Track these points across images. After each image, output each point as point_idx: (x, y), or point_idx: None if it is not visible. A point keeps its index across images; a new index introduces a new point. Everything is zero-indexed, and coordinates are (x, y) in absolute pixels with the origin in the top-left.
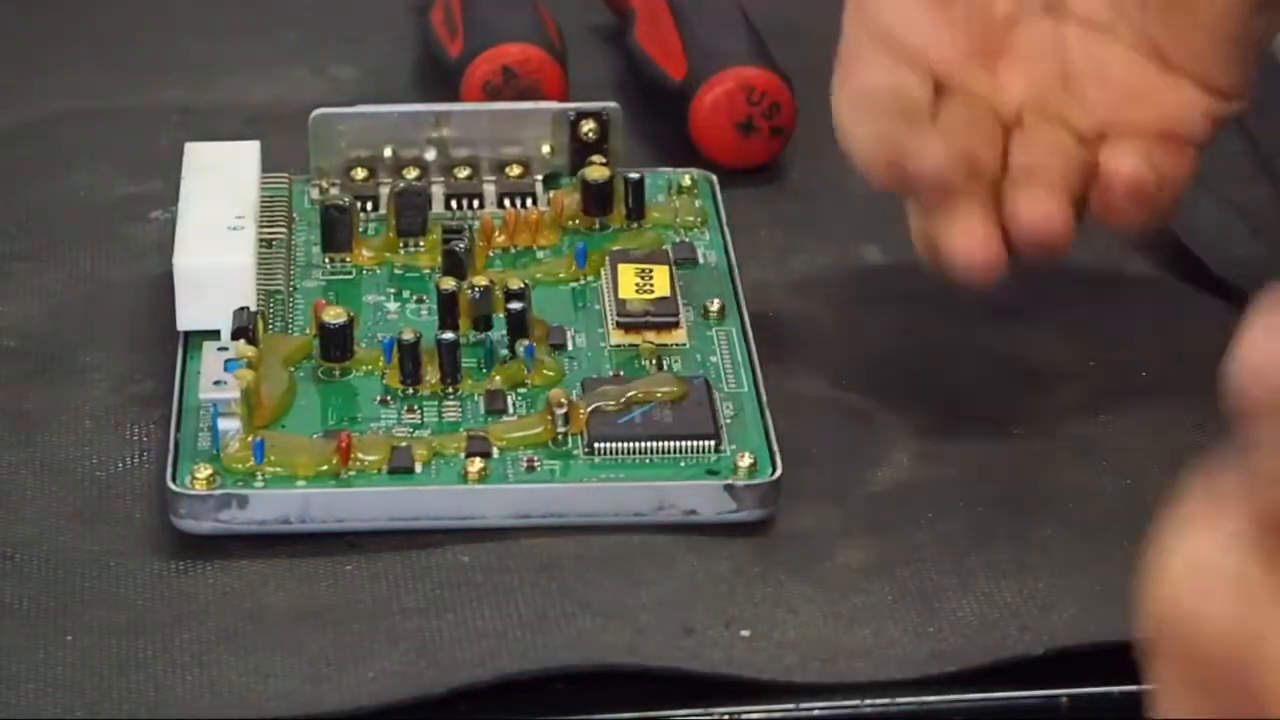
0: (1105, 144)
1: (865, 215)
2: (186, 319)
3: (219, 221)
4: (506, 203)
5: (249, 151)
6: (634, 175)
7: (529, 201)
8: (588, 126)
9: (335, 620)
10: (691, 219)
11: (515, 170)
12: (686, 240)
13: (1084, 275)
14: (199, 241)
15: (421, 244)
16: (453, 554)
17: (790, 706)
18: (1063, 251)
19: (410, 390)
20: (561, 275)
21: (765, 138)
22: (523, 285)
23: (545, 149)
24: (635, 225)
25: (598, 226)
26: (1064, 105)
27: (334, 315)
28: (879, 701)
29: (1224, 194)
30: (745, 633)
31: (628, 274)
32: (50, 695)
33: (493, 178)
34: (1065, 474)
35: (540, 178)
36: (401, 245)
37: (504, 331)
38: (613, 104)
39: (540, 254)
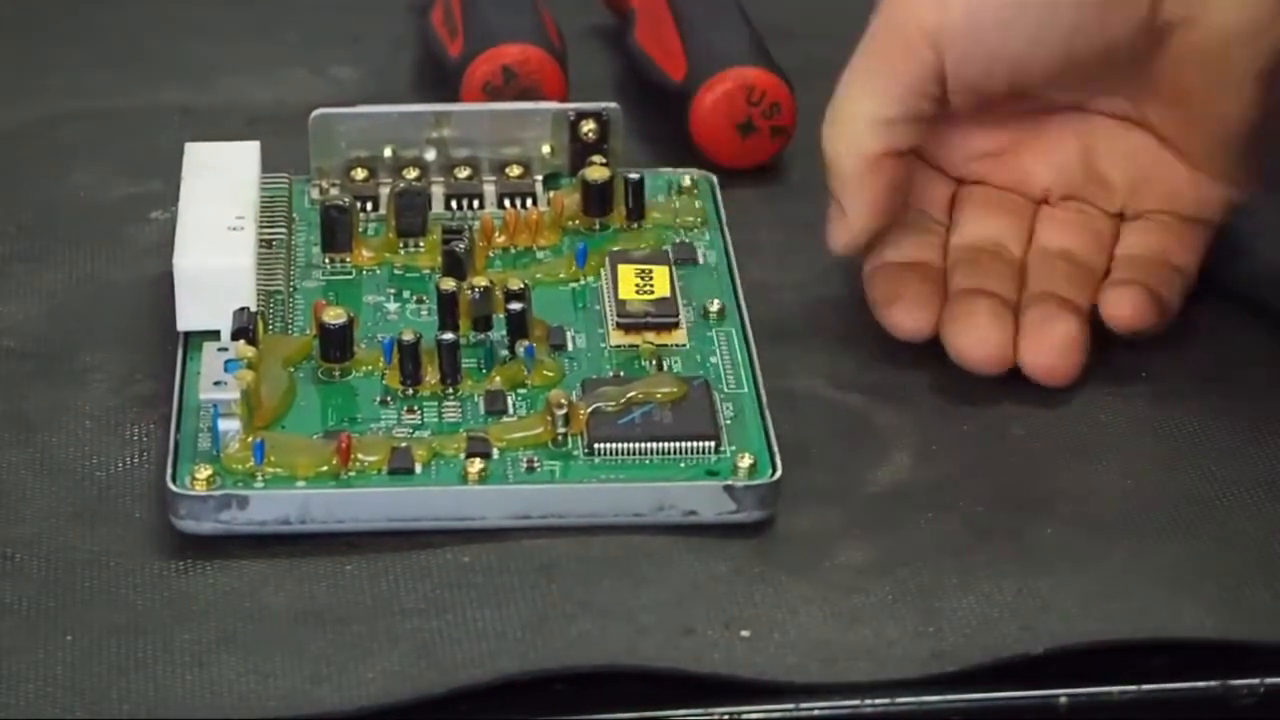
0: (1108, 283)
1: None
2: (186, 319)
3: (219, 222)
4: (506, 203)
5: (249, 152)
6: (634, 176)
7: (529, 202)
8: (588, 127)
9: (335, 620)
10: (692, 219)
11: (515, 170)
12: (686, 241)
13: None
14: (199, 242)
15: (421, 244)
16: (453, 554)
17: (790, 706)
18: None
19: (410, 391)
20: (561, 276)
21: (765, 138)
22: (523, 286)
23: (545, 149)
24: (635, 226)
25: (598, 227)
26: (1086, 189)
27: (334, 316)
28: (879, 701)
29: None
30: (745, 633)
31: (628, 274)
32: (50, 695)
33: (493, 178)
34: (1065, 474)
35: (540, 178)
36: (401, 246)
37: (504, 332)
38: (613, 104)
39: (540, 254)
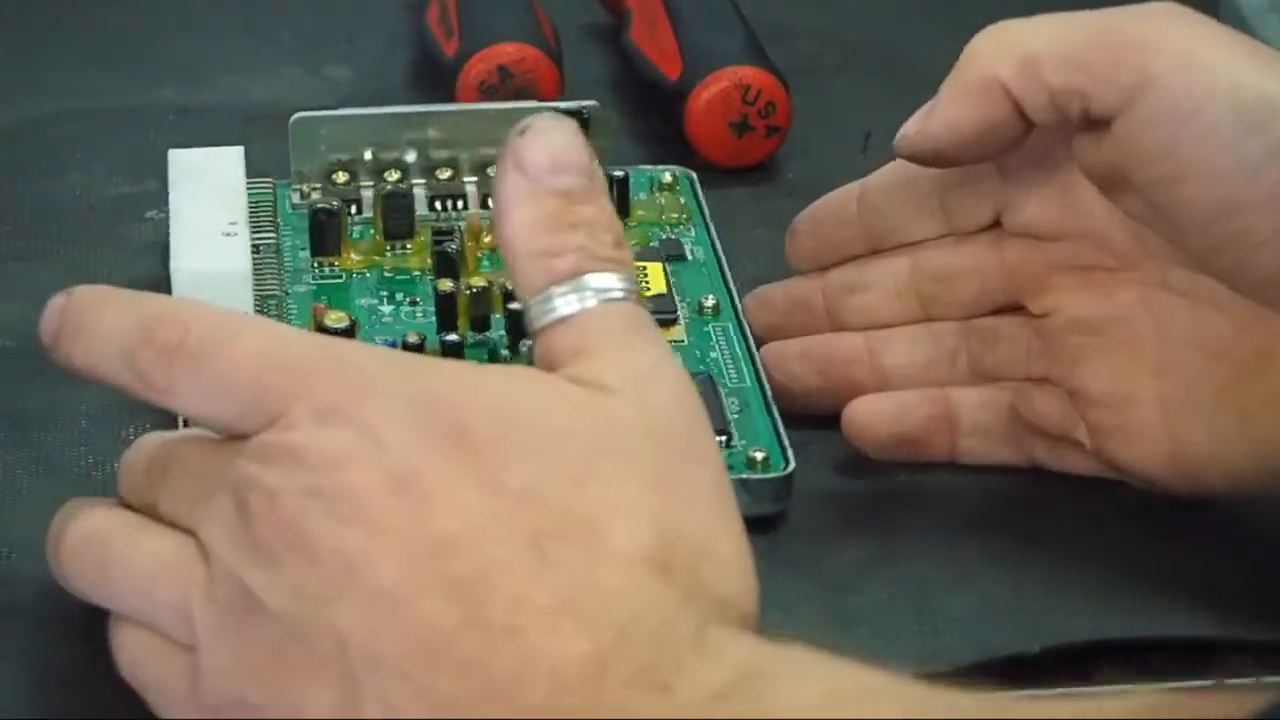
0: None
1: None
2: None
3: (212, 228)
4: (490, 203)
5: (233, 157)
6: (619, 173)
7: None
8: None
9: None
10: (677, 215)
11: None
12: (673, 237)
13: None
14: (195, 249)
15: (409, 246)
16: None
17: None
18: None
19: None
20: None
21: (760, 137)
22: None
23: None
24: (621, 223)
25: None
26: None
27: (336, 319)
28: None
29: None
30: None
31: None
32: (45, 695)
33: (474, 178)
34: (1060, 473)
35: None
36: (389, 248)
37: (502, 331)
38: (592, 102)
39: None
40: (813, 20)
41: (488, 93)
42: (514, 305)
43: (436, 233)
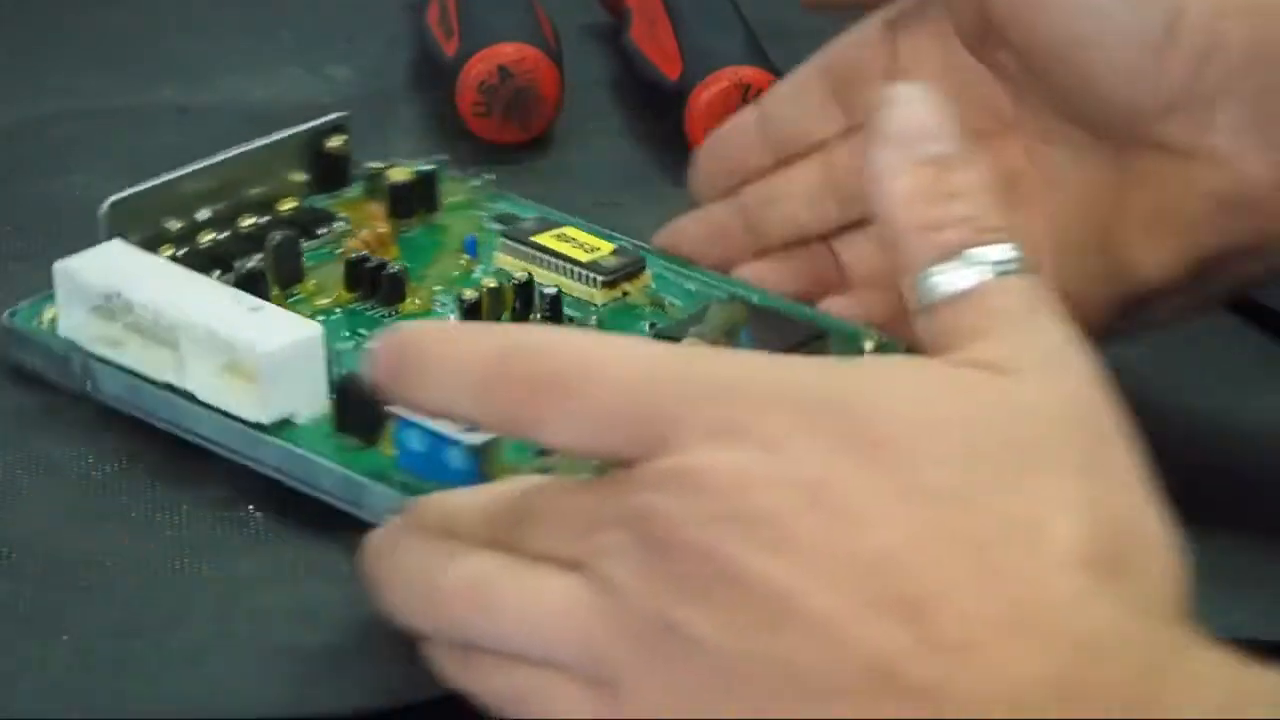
0: None
1: None
2: (271, 409)
3: (231, 312)
4: (320, 231)
5: (126, 248)
6: (427, 167)
7: (333, 225)
8: (332, 141)
9: (332, 620)
10: (480, 196)
11: (289, 203)
12: (507, 212)
13: None
14: (255, 328)
15: (296, 291)
16: None
17: None
18: None
19: None
20: (463, 267)
21: None
22: (528, 275)
23: (299, 176)
24: (435, 216)
25: (403, 227)
26: None
27: None
28: None
29: None
30: None
31: (558, 242)
32: (45, 695)
33: (267, 217)
34: None
35: (310, 200)
36: (287, 296)
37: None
38: (344, 112)
39: (405, 264)
40: (813, 20)
41: (488, 93)
42: (549, 290)
43: (357, 263)
